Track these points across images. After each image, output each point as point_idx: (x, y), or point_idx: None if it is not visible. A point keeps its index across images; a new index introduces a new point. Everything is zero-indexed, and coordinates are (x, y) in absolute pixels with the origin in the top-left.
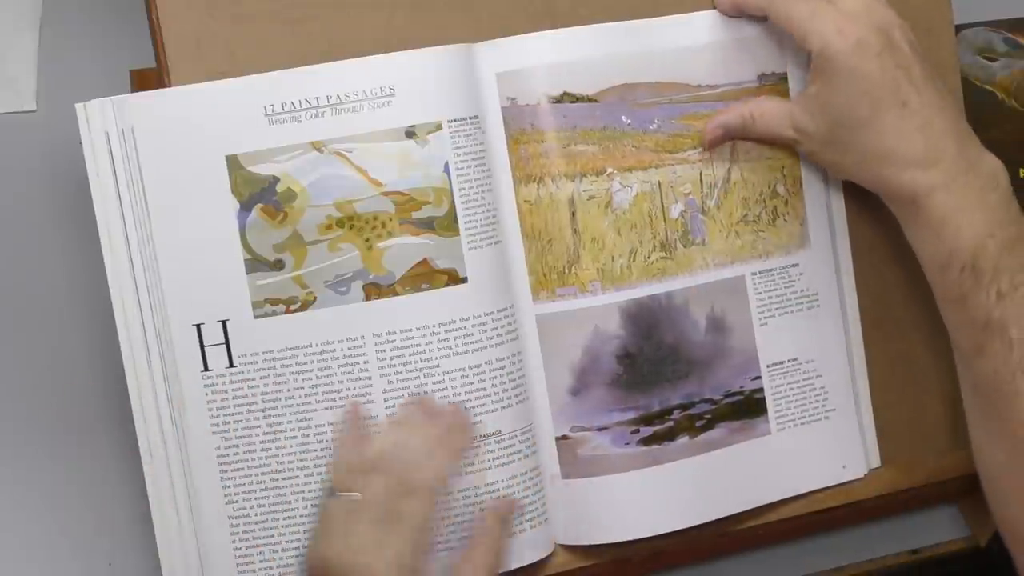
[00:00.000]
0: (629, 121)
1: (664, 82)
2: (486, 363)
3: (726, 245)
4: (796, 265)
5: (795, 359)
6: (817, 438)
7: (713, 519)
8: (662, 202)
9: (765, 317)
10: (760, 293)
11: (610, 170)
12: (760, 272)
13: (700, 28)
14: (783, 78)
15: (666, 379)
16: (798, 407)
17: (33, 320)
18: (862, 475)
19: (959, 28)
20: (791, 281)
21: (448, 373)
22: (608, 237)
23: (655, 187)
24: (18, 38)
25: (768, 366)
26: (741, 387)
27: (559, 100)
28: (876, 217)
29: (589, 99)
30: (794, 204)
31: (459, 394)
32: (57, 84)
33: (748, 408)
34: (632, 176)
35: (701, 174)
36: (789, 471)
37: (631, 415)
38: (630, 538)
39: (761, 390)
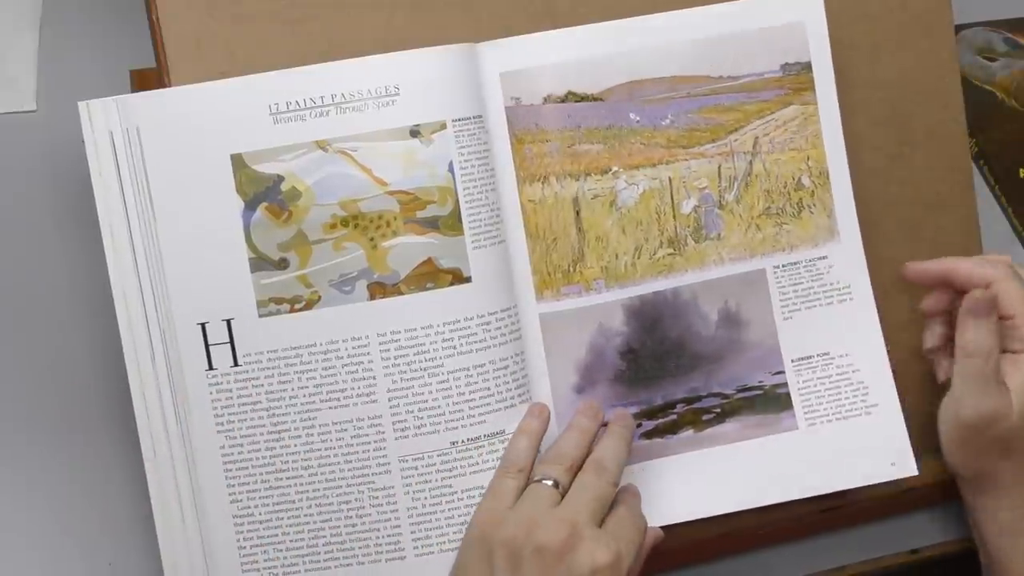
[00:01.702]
0: (638, 118)
1: (681, 76)
2: (489, 362)
3: (744, 239)
4: (824, 258)
5: (826, 353)
6: (858, 434)
7: (729, 511)
8: (672, 198)
9: (790, 311)
10: (783, 287)
11: (615, 168)
12: (784, 265)
13: (720, 19)
14: (807, 67)
15: (669, 374)
16: (832, 402)
17: (35, 320)
18: (916, 473)
19: (959, 28)
20: (819, 274)
21: (452, 372)
22: (612, 235)
23: (664, 183)
24: (18, 38)
25: (793, 361)
26: (760, 382)
27: (563, 100)
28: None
29: (594, 98)
30: (821, 196)
31: (463, 393)
32: (57, 84)
33: (768, 403)
34: (639, 174)
35: (720, 167)
36: (825, 467)
37: (634, 409)
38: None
39: (784, 385)
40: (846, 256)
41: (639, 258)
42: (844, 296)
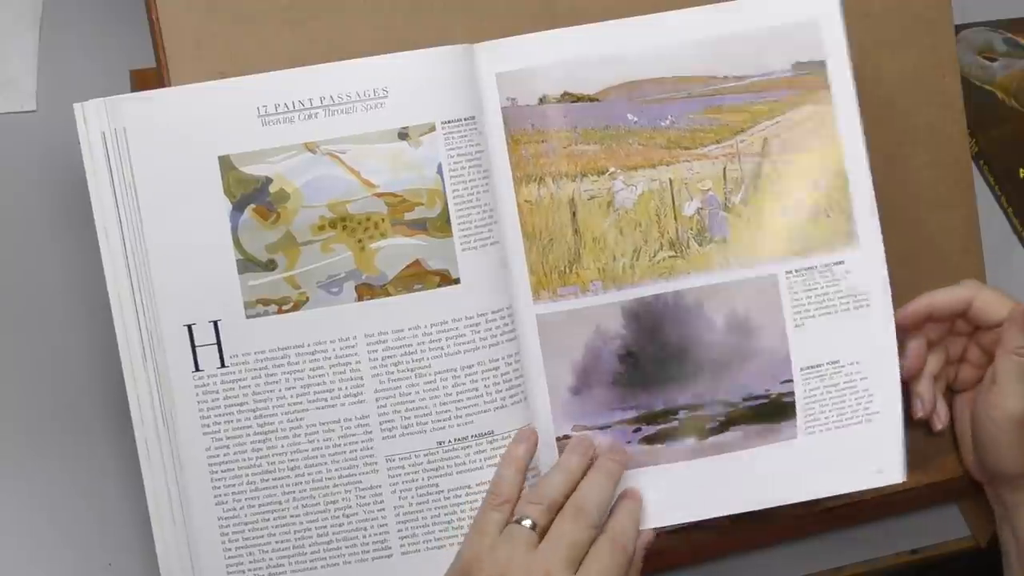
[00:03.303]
0: (636, 119)
1: (682, 76)
2: (478, 363)
3: (753, 243)
4: (841, 263)
5: (836, 361)
6: (853, 442)
7: (720, 516)
8: (673, 200)
9: (802, 318)
10: (796, 293)
11: (612, 169)
12: (797, 271)
13: (724, 18)
14: (821, 66)
15: (671, 379)
16: (835, 411)
17: (33, 320)
18: (900, 481)
19: (959, 28)
20: (835, 280)
21: (439, 373)
22: (609, 237)
23: (664, 185)
24: (18, 38)
25: (803, 369)
26: (767, 391)
27: (559, 100)
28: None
29: (590, 98)
30: (838, 199)
31: (450, 394)
32: (57, 84)
33: (773, 412)
34: (637, 175)
35: (725, 169)
36: (815, 475)
37: (632, 414)
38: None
39: (791, 394)
40: (866, 262)
41: (638, 260)
42: (861, 303)
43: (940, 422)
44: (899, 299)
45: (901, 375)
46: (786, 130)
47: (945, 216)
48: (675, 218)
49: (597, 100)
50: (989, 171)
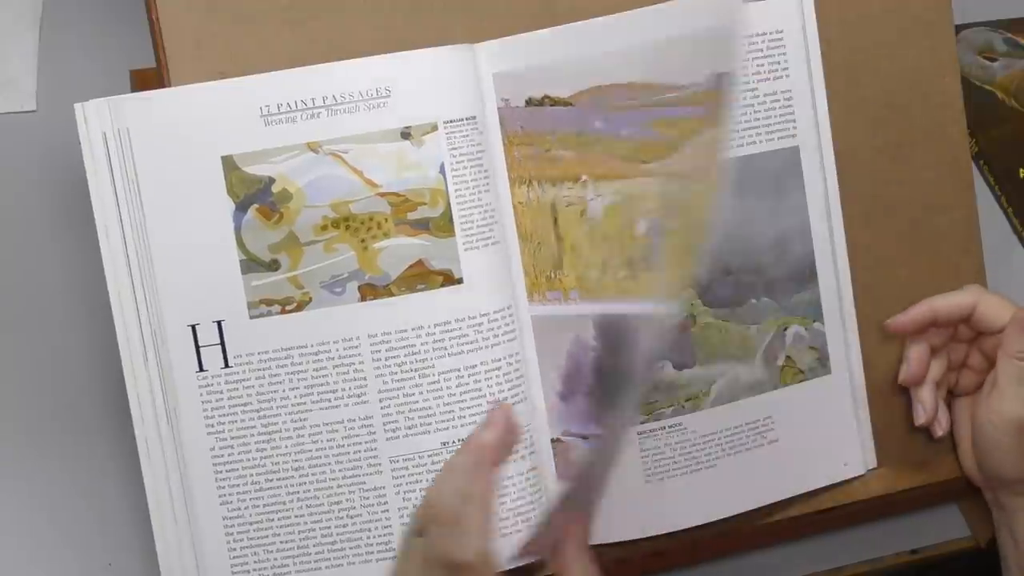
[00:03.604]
0: (601, 126)
1: (637, 82)
2: (481, 364)
3: (675, 277)
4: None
5: None
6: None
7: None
8: (632, 217)
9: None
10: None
11: (584, 177)
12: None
13: (671, 18)
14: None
15: (625, 406)
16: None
17: (33, 321)
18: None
19: (959, 28)
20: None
21: (443, 374)
22: (584, 246)
23: (625, 199)
24: (18, 38)
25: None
26: None
27: (540, 103)
28: (874, 229)
29: (565, 102)
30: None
31: (454, 394)
32: (57, 84)
33: None
34: (604, 185)
35: (666, 190)
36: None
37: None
38: (617, 540)
39: None
40: None
41: (605, 274)
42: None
43: (941, 428)
44: (898, 300)
45: (904, 381)
46: (695, 152)
47: (945, 216)
48: (631, 237)
49: (571, 105)
50: (989, 171)
